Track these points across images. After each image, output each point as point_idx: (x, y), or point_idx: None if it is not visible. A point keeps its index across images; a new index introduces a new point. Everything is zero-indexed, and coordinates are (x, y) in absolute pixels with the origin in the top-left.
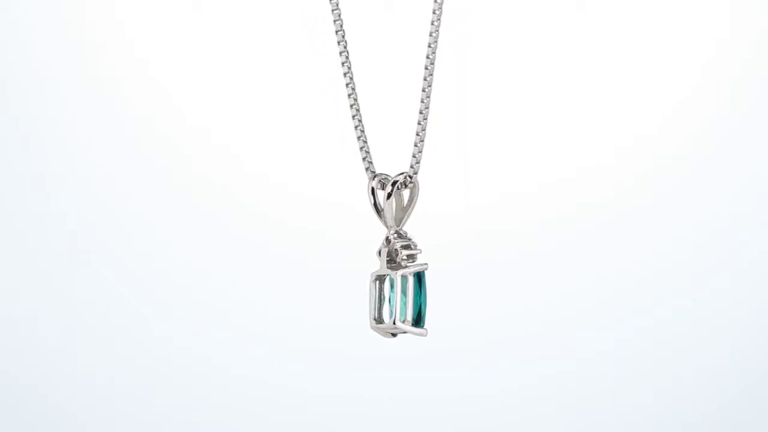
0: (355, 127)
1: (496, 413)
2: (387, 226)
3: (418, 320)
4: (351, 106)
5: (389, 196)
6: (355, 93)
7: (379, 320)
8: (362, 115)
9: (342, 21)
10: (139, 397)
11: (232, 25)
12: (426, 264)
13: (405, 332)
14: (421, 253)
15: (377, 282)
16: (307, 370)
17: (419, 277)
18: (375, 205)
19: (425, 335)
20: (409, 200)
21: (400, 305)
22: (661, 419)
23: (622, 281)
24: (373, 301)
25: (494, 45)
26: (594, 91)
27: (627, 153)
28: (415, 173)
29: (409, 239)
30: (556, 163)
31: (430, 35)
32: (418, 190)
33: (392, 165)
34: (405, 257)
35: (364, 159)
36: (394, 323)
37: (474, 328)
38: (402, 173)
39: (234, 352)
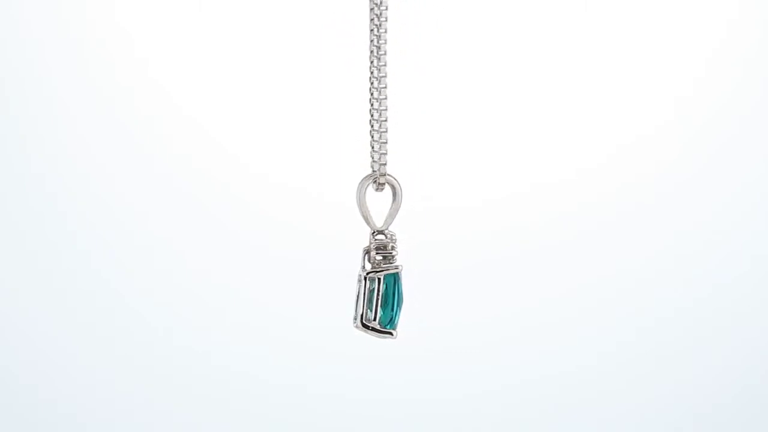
0: (372, 126)
1: (494, 414)
2: (370, 226)
3: (388, 322)
4: (372, 105)
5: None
6: (380, 94)
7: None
8: (381, 117)
9: (380, 24)
10: (139, 397)
11: (230, 25)
12: (399, 266)
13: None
14: (397, 254)
15: (362, 282)
16: (307, 370)
17: (392, 279)
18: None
19: (393, 338)
20: (392, 200)
21: (364, 307)
22: (661, 419)
23: (623, 281)
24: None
25: (495, 45)
26: (594, 90)
27: (628, 152)
28: (382, 174)
29: (389, 240)
30: (556, 162)
31: (372, 34)
32: (401, 191)
33: (398, 166)
34: (378, 258)
35: (374, 160)
36: (363, 324)
37: (472, 329)
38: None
39: (234, 351)
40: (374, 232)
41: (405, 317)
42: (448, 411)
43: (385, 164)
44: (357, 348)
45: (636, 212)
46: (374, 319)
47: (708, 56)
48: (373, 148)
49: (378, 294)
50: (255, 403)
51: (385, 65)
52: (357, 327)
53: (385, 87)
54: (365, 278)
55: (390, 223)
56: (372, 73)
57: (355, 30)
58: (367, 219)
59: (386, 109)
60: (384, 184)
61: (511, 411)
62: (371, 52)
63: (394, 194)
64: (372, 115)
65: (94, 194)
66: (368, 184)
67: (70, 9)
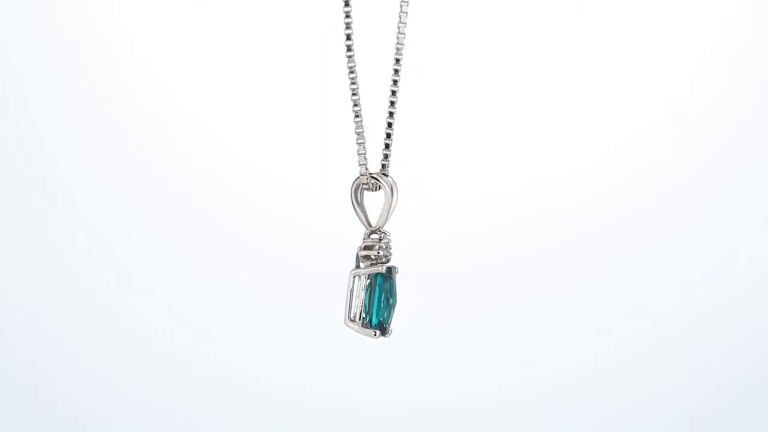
0: (357, 122)
1: (491, 414)
2: (365, 225)
3: (371, 321)
4: (355, 104)
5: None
6: (359, 93)
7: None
8: (363, 116)
9: (352, 21)
10: (139, 397)
11: (230, 26)
12: (382, 267)
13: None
14: (384, 254)
15: (350, 280)
16: (307, 370)
17: (377, 279)
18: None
19: (375, 337)
20: (387, 200)
21: (350, 305)
22: (658, 419)
23: (620, 281)
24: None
25: (492, 45)
26: (592, 90)
27: (625, 152)
28: (363, 174)
29: (380, 240)
30: (553, 162)
31: (398, 41)
32: (396, 191)
33: (395, 166)
34: (364, 257)
35: (362, 156)
36: (349, 321)
37: (470, 328)
38: (371, 173)
39: (234, 351)
40: (369, 232)
41: (403, 317)
42: (445, 411)
43: (365, 164)
44: (356, 348)
45: (633, 212)
46: (358, 318)
47: (705, 56)
48: (361, 143)
49: (363, 293)
50: (255, 403)
51: (400, 66)
52: (345, 324)
53: (357, 86)
54: (352, 277)
55: (383, 223)
56: (351, 76)
57: (355, 30)
58: (360, 218)
59: (361, 108)
60: (367, 183)
61: (509, 411)
62: (344, 54)
63: (392, 195)
64: (356, 120)
65: (94, 194)
66: (359, 184)
67: (70, 9)
